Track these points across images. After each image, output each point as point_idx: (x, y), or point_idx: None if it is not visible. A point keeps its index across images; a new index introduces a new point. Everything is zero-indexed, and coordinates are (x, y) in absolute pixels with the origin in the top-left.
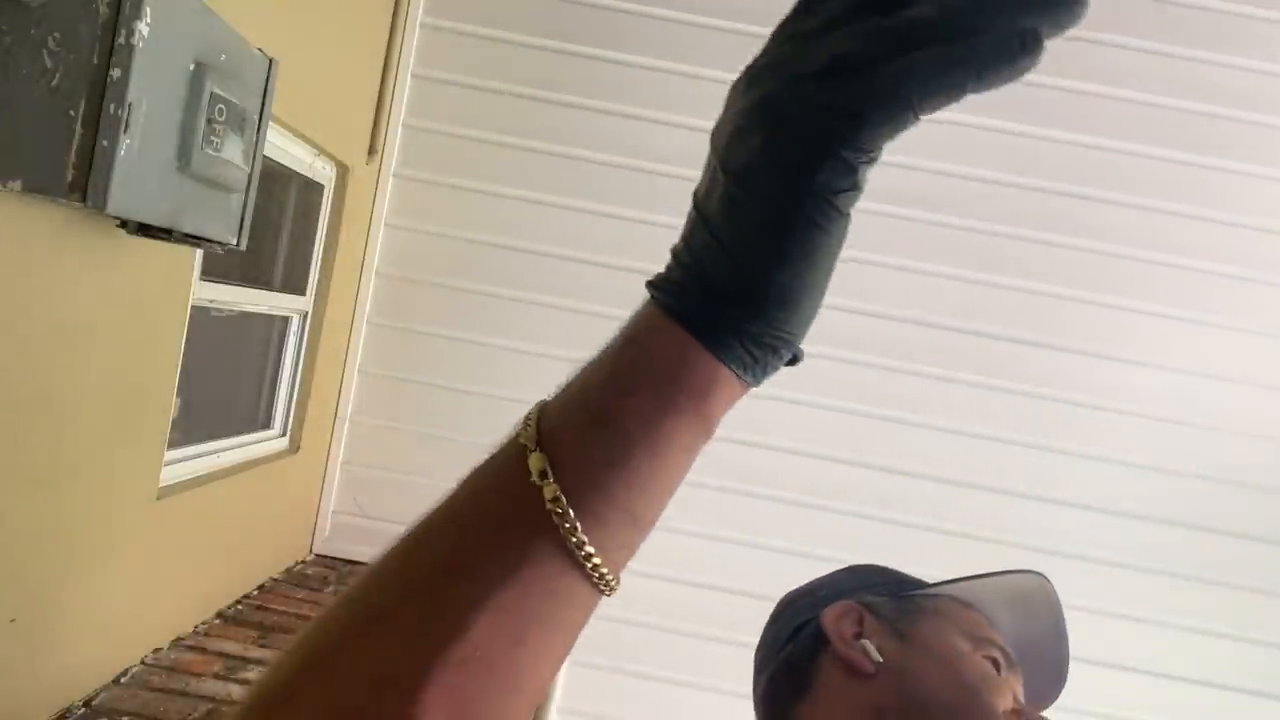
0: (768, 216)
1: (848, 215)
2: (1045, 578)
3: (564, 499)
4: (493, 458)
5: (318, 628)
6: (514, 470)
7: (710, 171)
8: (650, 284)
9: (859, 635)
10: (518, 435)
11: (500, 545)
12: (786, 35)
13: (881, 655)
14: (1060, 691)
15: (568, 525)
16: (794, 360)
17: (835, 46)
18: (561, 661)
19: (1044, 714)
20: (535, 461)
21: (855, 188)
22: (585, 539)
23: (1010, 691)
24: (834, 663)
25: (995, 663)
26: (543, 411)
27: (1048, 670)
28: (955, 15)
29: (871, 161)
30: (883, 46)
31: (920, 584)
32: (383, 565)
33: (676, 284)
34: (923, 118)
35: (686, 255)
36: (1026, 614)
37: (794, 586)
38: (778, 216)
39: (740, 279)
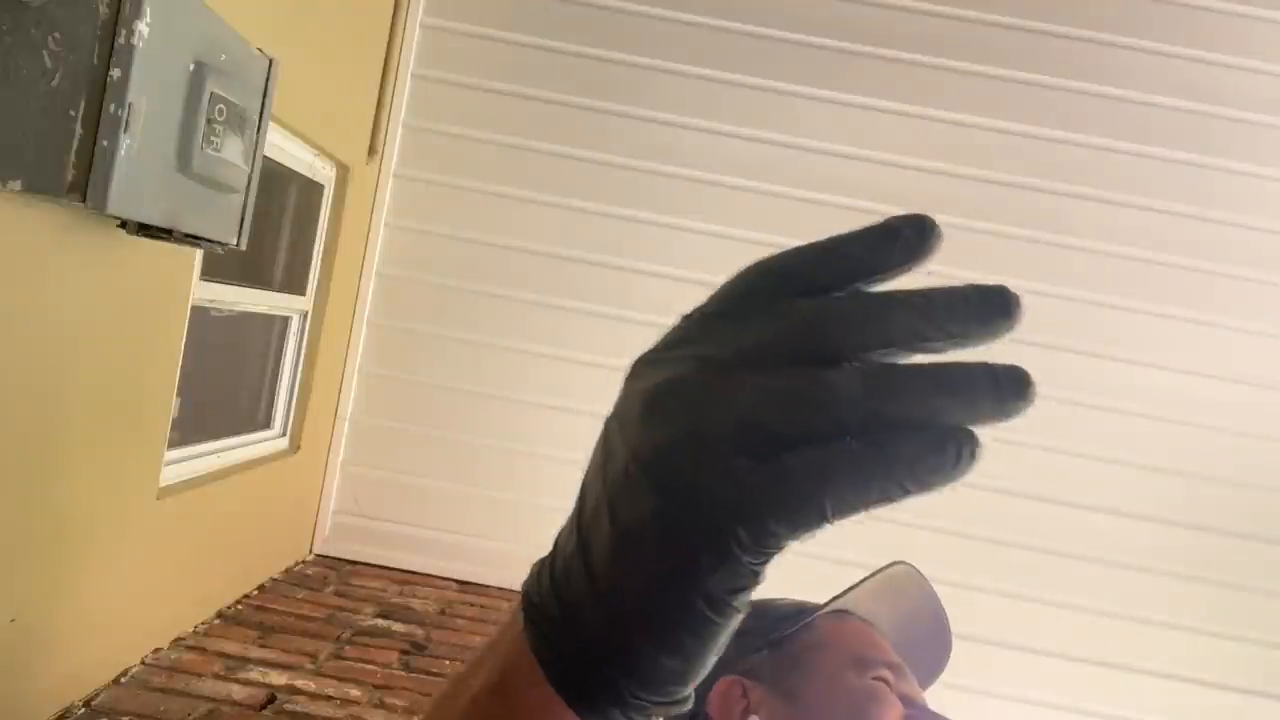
0: (655, 605)
1: (748, 604)
2: (905, 562)
3: None
4: None
5: None
6: None
7: (600, 492)
8: (526, 610)
9: (747, 711)
10: None
11: None
12: (699, 353)
13: None
14: (949, 650)
15: None
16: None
17: (750, 408)
18: None
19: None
20: None
21: (755, 583)
22: None
23: (899, 701)
24: None
25: (885, 680)
26: None
27: (933, 638)
28: (882, 402)
29: (774, 556)
30: (802, 425)
31: (800, 612)
32: None
33: (551, 630)
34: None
35: (566, 592)
36: (898, 596)
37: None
38: (666, 610)
39: (625, 655)
